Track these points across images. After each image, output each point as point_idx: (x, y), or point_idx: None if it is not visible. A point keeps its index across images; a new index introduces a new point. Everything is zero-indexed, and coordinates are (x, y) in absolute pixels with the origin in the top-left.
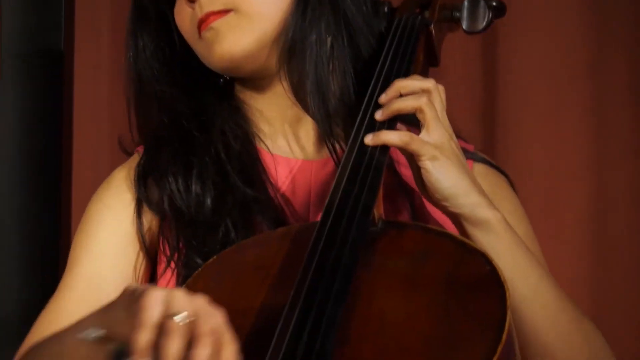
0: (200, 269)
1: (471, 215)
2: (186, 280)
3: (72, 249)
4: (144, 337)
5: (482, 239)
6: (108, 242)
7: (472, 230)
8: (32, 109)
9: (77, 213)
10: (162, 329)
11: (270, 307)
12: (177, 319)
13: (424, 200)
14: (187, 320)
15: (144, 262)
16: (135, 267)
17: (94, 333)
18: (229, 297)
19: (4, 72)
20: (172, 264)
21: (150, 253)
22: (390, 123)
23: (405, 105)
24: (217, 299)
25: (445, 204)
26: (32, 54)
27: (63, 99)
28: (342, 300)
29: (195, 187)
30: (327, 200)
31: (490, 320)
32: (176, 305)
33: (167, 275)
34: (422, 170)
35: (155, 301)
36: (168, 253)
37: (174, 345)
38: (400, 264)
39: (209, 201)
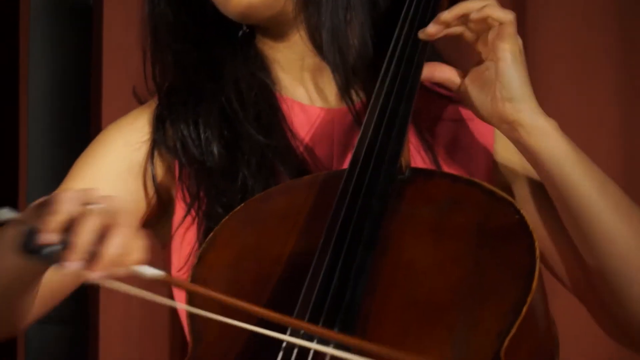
0: (227, 217)
1: (530, 121)
2: (209, 231)
3: (72, 167)
4: (56, 217)
5: (539, 144)
6: (111, 167)
7: (527, 137)
8: (62, 64)
9: None
10: (76, 216)
11: (299, 255)
12: (93, 206)
13: (449, 148)
14: (103, 210)
15: (140, 199)
16: (125, 198)
17: (8, 214)
18: (256, 245)
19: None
20: (193, 212)
21: (162, 197)
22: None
23: (473, 5)
24: (245, 246)
25: (508, 105)
26: (60, 8)
27: (92, 52)
28: (370, 249)
29: (204, 135)
30: (354, 149)
31: (520, 270)
32: (92, 198)
33: (187, 222)
34: (501, 62)
35: (70, 194)
36: (188, 200)
37: (87, 227)
38: (428, 213)
39: (220, 149)
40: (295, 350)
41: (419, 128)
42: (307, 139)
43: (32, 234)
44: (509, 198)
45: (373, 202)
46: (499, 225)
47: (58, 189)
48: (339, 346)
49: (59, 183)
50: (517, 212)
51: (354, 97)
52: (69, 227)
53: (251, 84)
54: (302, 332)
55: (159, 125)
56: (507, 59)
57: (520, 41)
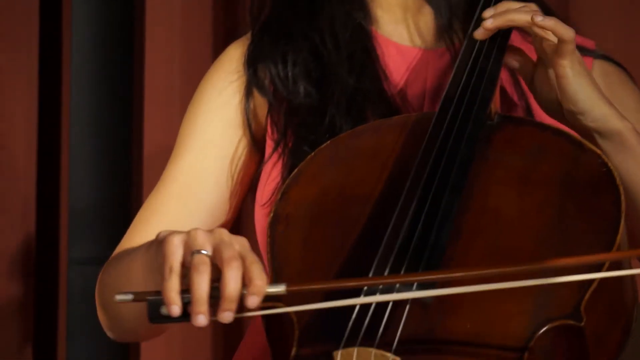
0: (313, 153)
1: (604, 127)
2: (295, 167)
3: (178, 138)
4: (170, 284)
5: (613, 149)
6: (215, 130)
7: (603, 142)
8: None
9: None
10: (188, 268)
11: (385, 197)
12: (200, 255)
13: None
14: (210, 253)
15: (246, 149)
16: (234, 156)
17: (126, 297)
18: (342, 183)
19: None
20: (279, 149)
21: (256, 138)
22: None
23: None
24: (330, 184)
25: (579, 117)
26: None
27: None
28: (457, 194)
29: (292, 73)
30: (445, 92)
31: (605, 223)
32: (196, 243)
33: (274, 158)
34: (563, 80)
35: (175, 245)
36: (276, 138)
37: (201, 278)
38: (515, 160)
39: (308, 88)
40: (374, 303)
41: (512, 73)
42: (400, 81)
43: (155, 305)
44: (597, 150)
45: (462, 147)
46: (585, 176)
47: (169, 164)
48: (421, 287)
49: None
50: (605, 164)
51: (455, 38)
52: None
53: (347, 24)
54: (380, 286)
55: (250, 64)
56: (569, 76)
57: (578, 54)
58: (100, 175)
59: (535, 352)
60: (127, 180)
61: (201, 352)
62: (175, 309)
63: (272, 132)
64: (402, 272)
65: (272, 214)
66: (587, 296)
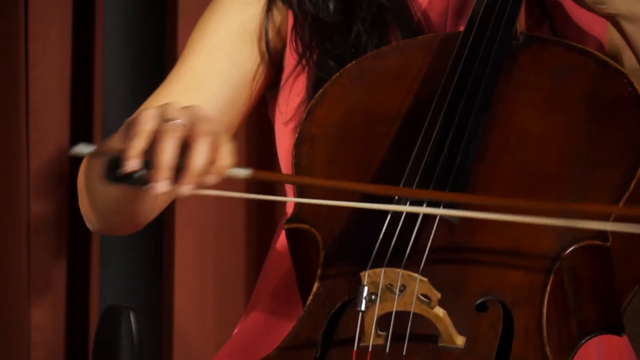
0: (338, 74)
1: (628, 12)
2: (319, 81)
3: (188, 41)
4: (135, 143)
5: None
6: (226, 36)
7: (629, 26)
8: None
9: None
10: (155, 135)
11: (410, 117)
12: (172, 122)
13: (564, 15)
14: (181, 122)
15: (259, 60)
16: (245, 64)
17: (85, 149)
18: (367, 104)
19: None
20: (304, 62)
21: (272, 50)
22: None
23: None
24: (356, 104)
25: (602, 6)
26: None
27: None
28: (483, 114)
29: None
30: (471, 10)
31: (631, 143)
32: (172, 113)
33: (297, 72)
34: None
35: (150, 114)
36: (300, 50)
37: (168, 144)
38: (541, 80)
39: (336, 5)
40: (403, 216)
41: None
42: (423, 1)
43: (113, 163)
44: (623, 70)
45: (488, 67)
46: (611, 96)
47: (173, 69)
48: (448, 207)
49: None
50: (631, 84)
51: None
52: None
53: None
54: (408, 199)
55: None
56: None
57: None
58: (134, 96)
59: (561, 272)
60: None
61: (233, 269)
62: (132, 164)
63: (296, 46)
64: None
65: (296, 135)
66: (612, 216)
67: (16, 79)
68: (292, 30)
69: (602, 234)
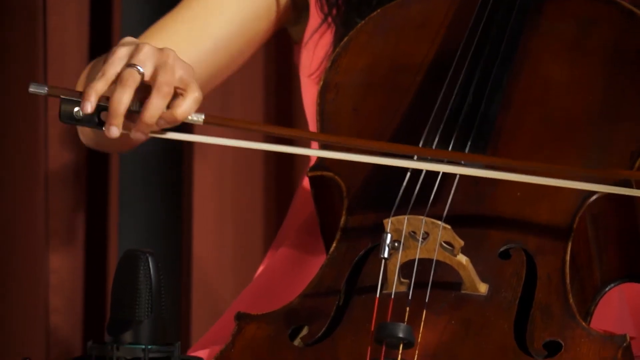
0: (363, 22)
1: None
2: (345, 37)
3: None
4: (94, 85)
5: None
6: None
7: None
8: None
9: None
10: (116, 79)
11: (434, 67)
12: (134, 69)
13: None
14: (147, 71)
15: (276, 6)
16: (259, 5)
17: (42, 89)
18: (392, 53)
19: None
20: (330, 18)
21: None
22: None
23: None
24: (380, 53)
25: None
26: None
27: None
28: (507, 63)
29: None
30: None
31: None
32: (137, 58)
33: (322, 29)
34: None
35: (117, 55)
36: (325, 10)
37: (123, 91)
38: (567, 30)
39: None
40: (423, 173)
41: None
42: None
43: (70, 104)
44: None
45: (512, 16)
46: (636, 46)
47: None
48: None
49: None
50: None
51: None
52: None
53: None
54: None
55: None
56: None
57: None
58: None
59: (585, 219)
60: None
61: (252, 214)
62: (87, 106)
63: (321, 4)
64: (452, 141)
65: (322, 82)
66: (637, 164)
67: (34, 27)
68: None
69: (626, 182)
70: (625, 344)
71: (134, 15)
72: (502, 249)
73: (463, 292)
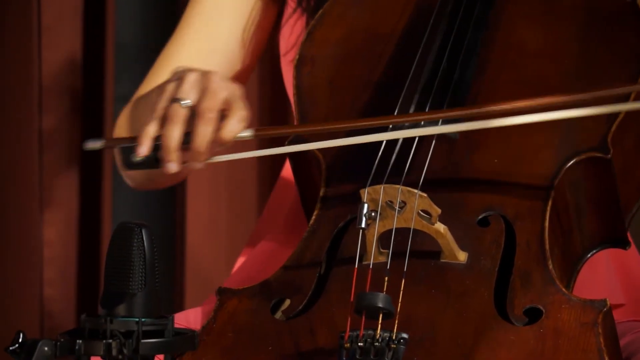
0: None
1: None
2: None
3: None
4: (146, 130)
5: None
6: None
7: None
8: None
9: None
10: (164, 118)
11: (409, 34)
12: (179, 104)
13: None
14: (192, 102)
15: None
16: (252, 5)
17: (98, 143)
18: (367, 23)
19: None
20: (303, 5)
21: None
22: None
23: None
24: (355, 24)
25: None
26: None
27: None
28: (481, 29)
29: None
30: None
31: (630, 54)
32: (181, 90)
33: (297, 15)
34: None
35: (166, 91)
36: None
37: (172, 128)
38: None
39: None
40: (399, 142)
41: None
42: None
43: (127, 151)
44: None
45: None
46: (609, 7)
47: (186, 8)
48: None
49: None
50: None
51: None
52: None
53: None
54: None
55: None
56: None
57: None
58: (147, 11)
59: (563, 185)
60: (174, 16)
61: (246, 187)
62: (142, 150)
63: None
64: (427, 108)
65: (297, 56)
66: (613, 128)
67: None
68: None
69: (602, 146)
70: (605, 309)
71: None
72: (480, 217)
73: (442, 260)
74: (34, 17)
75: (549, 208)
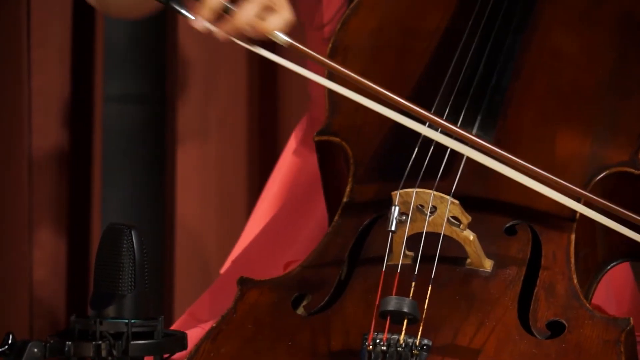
0: None
1: None
2: None
3: None
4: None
5: None
6: None
7: None
8: None
9: None
10: None
11: (446, 34)
12: None
13: None
14: None
15: None
16: None
17: None
18: (403, 15)
19: None
20: None
21: None
22: None
23: None
24: (391, 16)
25: None
26: None
27: None
28: (519, 33)
29: None
30: None
31: None
32: None
33: None
34: None
35: None
36: None
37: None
38: (577, 0)
39: None
40: (433, 145)
41: None
42: None
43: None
44: None
45: None
46: None
47: None
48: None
49: None
50: None
51: None
52: None
53: None
54: (439, 129)
55: None
56: None
57: None
58: None
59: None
60: (164, 16)
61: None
62: None
63: None
64: (462, 112)
65: (330, 45)
66: None
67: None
68: None
69: (633, 161)
70: (628, 327)
71: None
72: (508, 225)
73: (468, 267)
74: (22, 16)
75: (576, 220)
